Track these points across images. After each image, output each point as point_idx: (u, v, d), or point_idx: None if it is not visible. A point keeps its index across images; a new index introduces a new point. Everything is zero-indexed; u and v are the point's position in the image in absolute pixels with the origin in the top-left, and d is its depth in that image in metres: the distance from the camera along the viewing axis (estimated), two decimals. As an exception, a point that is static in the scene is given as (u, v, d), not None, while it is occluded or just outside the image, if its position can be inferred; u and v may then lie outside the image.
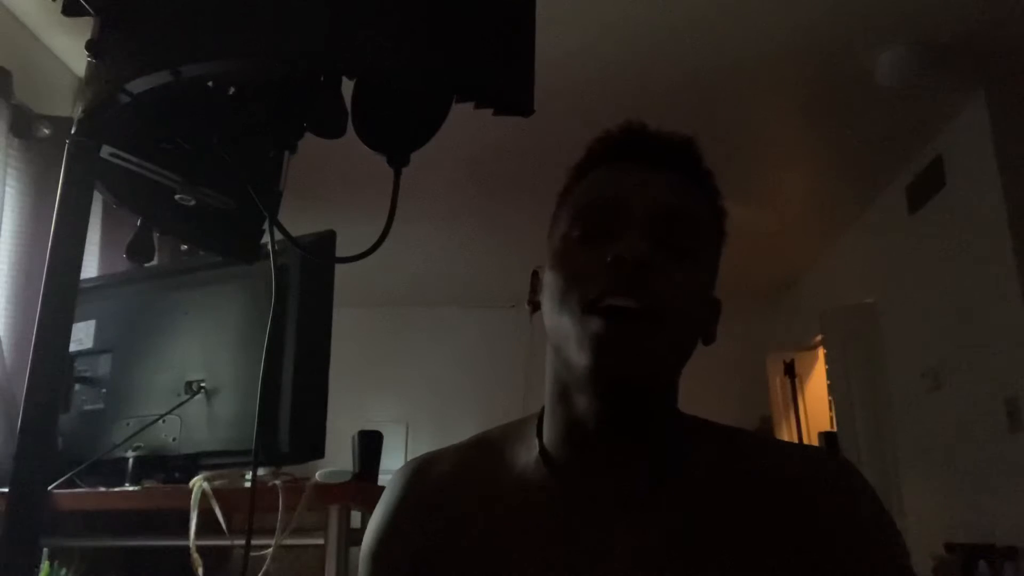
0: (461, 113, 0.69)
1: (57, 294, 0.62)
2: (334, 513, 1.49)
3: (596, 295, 0.66)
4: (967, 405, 3.27)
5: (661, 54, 2.92)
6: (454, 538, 0.72)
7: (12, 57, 2.42)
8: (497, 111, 0.67)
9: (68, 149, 0.64)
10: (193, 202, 0.75)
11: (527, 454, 0.75)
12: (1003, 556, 2.91)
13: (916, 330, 3.73)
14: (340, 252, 0.82)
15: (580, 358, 0.66)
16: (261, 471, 1.52)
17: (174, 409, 1.55)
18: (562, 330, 0.68)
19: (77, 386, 1.71)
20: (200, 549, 1.45)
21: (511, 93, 0.68)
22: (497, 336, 5.75)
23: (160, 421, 1.56)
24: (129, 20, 0.62)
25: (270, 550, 1.39)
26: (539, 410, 0.78)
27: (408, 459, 0.83)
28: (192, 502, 1.46)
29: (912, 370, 3.71)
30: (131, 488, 1.55)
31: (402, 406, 5.79)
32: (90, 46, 0.63)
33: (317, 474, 1.53)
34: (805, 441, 5.10)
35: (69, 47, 2.74)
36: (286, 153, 0.76)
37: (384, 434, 1.74)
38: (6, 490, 0.58)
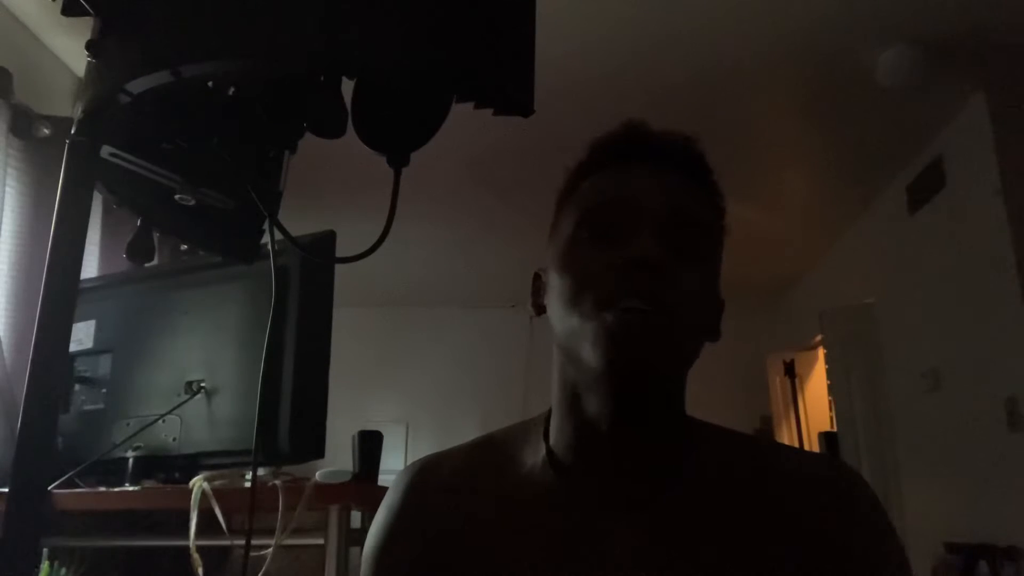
0: (461, 113, 0.69)
1: (57, 294, 0.62)
2: (334, 513, 1.49)
3: (609, 296, 0.66)
4: (967, 405, 3.27)
5: (661, 54, 2.92)
6: (458, 540, 0.72)
7: (12, 57, 2.42)
8: (497, 111, 0.67)
9: (68, 149, 0.64)
10: (193, 202, 0.75)
11: (533, 456, 0.75)
12: (1003, 556, 2.91)
13: (916, 330, 3.73)
14: (340, 252, 0.82)
15: (594, 356, 0.66)
16: (261, 471, 1.52)
17: (174, 409, 1.55)
18: (574, 330, 0.68)
19: (77, 386, 1.71)
20: (200, 549, 1.45)
21: (511, 93, 0.68)
22: (497, 336, 5.75)
23: (160, 421, 1.56)
24: (129, 20, 0.62)
25: (270, 550, 1.39)
26: (545, 412, 0.78)
27: (408, 459, 0.83)
28: (192, 502, 1.46)
29: (912, 370, 3.71)
30: (131, 488, 1.55)
31: (402, 406, 5.79)
32: (90, 46, 0.63)
33: (317, 474, 1.53)
34: (805, 441, 5.11)
35: (69, 47, 2.74)
36: (286, 153, 0.76)
37: (384, 434, 1.74)
38: (6, 490, 0.58)
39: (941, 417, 3.49)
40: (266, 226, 0.77)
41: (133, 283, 1.81)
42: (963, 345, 3.29)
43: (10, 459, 0.58)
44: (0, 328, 2.17)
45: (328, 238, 1.46)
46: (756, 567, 0.65)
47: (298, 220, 0.93)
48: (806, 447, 5.06)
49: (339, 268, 1.43)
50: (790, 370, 5.29)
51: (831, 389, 4.75)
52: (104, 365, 1.70)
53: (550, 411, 0.77)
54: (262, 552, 1.39)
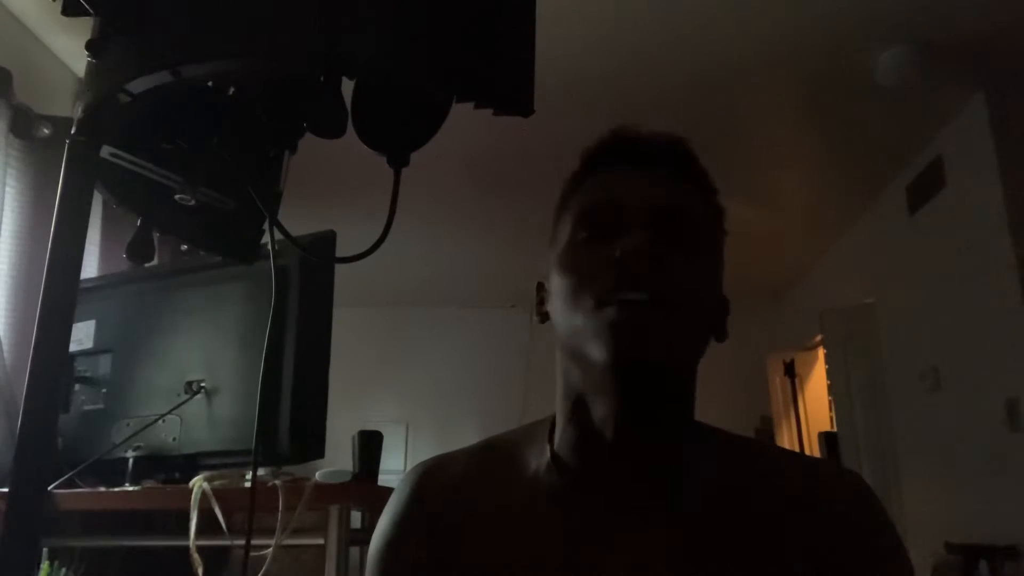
0: (461, 113, 0.69)
1: (57, 294, 0.62)
2: (334, 513, 1.49)
3: (607, 291, 0.67)
4: (967, 405, 3.27)
5: (661, 54, 2.92)
6: (463, 543, 0.72)
7: (12, 57, 2.42)
8: (497, 111, 0.67)
9: (68, 149, 0.64)
10: (193, 202, 0.75)
11: (538, 460, 0.75)
12: (1003, 556, 2.91)
13: (916, 330, 3.73)
14: (340, 252, 0.82)
15: (597, 350, 0.66)
16: (261, 471, 1.52)
17: (174, 409, 1.55)
18: (576, 328, 0.69)
19: (77, 386, 1.71)
20: (200, 549, 1.45)
21: (511, 93, 0.68)
22: (497, 336, 5.75)
23: (160, 421, 1.56)
24: (129, 20, 0.62)
25: (270, 550, 1.39)
26: (549, 416, 0.78)
27: (408, 459, 0.83)
28: (192, 502, 1.46)
29: (912, 370, 3.71)
30: (131, 488, 1.55)
31: (402, 406, 5.79)
32: (90, 46, 0.63)
33: (317, 474, 1.53)
34: (805, 441, 5.11)
35: (69, 47, 2.74)
36: (286, 153, 0.76)
37: (384, 434, 1.74)
38: (6, 490, 0.58)
39: (941, 417, 3.49)
40: (266, 226, 0.77)
41: (133, 283, 1.81)
42: (963, 345, 3.30)
43: (10, 459, 0.58)
44: (0, 328, 2.17)
45: (328, 238, 1.46)
46: (760, 575, 0.66)
47: (298, 220, 0.93)
48: (806, 447, 5.06)
49: (339, 268, 1.43)
50: (790, 370, 5.29)
51: (831, 389, 4.75)
52: (104, 365, 1.70)
53: (555, 415, 0.77)
54: (262, 552, 1.39)
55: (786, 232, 4.57)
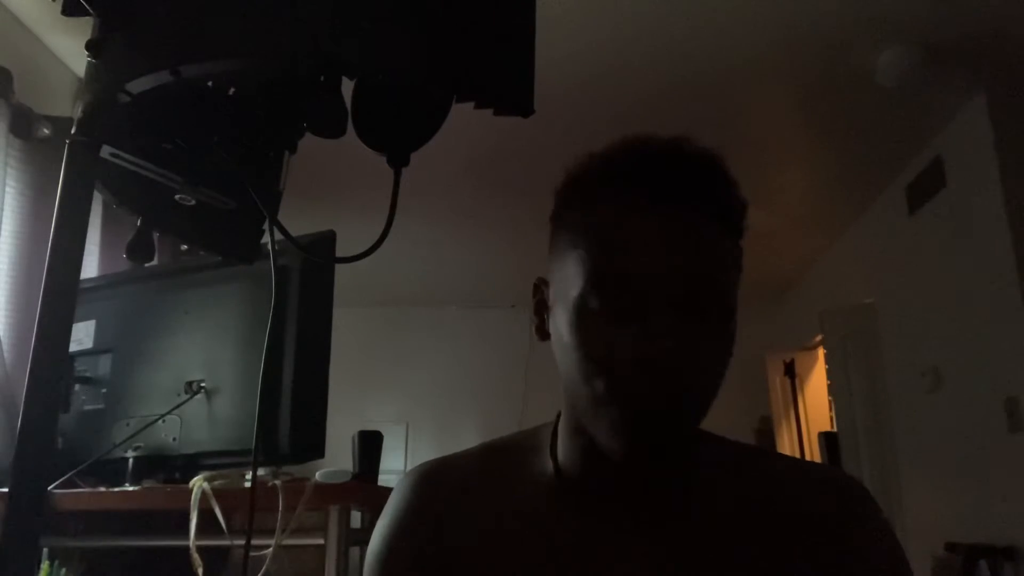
0: (461, 113, 0.69)
1: (57, 294, 0.62)
2: (334, 513, 1.48)
3: (625, 394, 0.63)
4: (967, 405, 3.27)
5: (661, 55, 2.92)
6: (462, 548, 0.72)
7: (12, 57, 2.42)
8: (497, 111, 0.67)
9: (68, 149, 0.64)
10: (193, 202, 0.75)
11: (539, 466, 0.74)
12: (1003, 556, 2.91)
13: (916, 330, 3.73)
14: (340, 252, 0.82)
15: (608, 443, 0.65)
16: (261, 471, 1.52)
17: (174, 409, 1.55)
18: (587, 409, 0.66)
19: (77, 386, 1.71)
20: (200, 549, 1.45)
21: (511, 93, 0.68)
22: (497, 336, 5.75)
23: (160, 421, 1.56)
24: (129, 20, 0.62)
25: (270, 550, 1.39)
26: (552, 422, 0.77)
27: (408, 459, 0.82)
28: (192, 502, 1.46)
29: (912, 370, 3.70)
30: (131, 488, 1.55)
31: (402, 406, 5.79)
32: (90, 46, 0.63)
33: (317, 474, 1.53)
34: (805, 441, 5.11)
35: (69, 47, 2.74)
36: (286, 153, 0.76)
37: (384, 434, 1.74)
38: (6, 490, 0.58)
39: (941, 417, 3.49)
40: (266, 226, 0.77)
41: (133, 283, 1.80)
42: (963, 345, 3.29)
43: (10, 459, 0.58)
44: (0, 328, 2.17)
45: (328, 238, 1.46)
46: None
47: (298, 220, 0.93)
48: (806, 447, 5.06)
49: (339, 268, 1.43)
50: (790, 370, 5.29)
51: (831, 389, 4.75)
52: (104, 365, 1.70)
53: (557, 419, 0.76)
54: (262, 552, 1.39)
55: (786, 232, 4.57)
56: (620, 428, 0.63)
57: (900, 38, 2.77)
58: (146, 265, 1.43)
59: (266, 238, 0.77)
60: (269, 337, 1.32)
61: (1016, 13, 2.61)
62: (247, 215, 0.78)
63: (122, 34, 0.62)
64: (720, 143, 0.70)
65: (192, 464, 1.57)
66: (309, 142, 0.70)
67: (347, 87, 0.67)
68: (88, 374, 1.71)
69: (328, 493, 1.49)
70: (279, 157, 0.77)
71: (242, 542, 0.91)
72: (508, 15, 0.70)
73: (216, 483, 1.48)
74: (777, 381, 5.43)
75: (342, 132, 0.68)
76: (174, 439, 1.55)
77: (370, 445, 1.69)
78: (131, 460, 1.57)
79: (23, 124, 2.33)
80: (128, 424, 1.60)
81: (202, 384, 1.55)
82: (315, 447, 1.48)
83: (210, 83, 0.69)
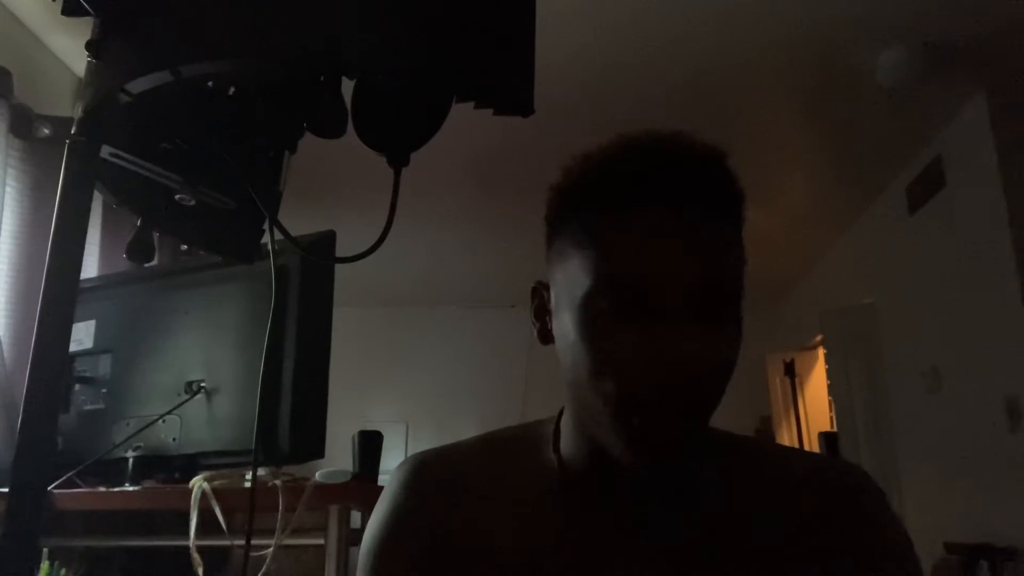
0: (461, 113, 0.69)
1: (57, 294, 0.62)
2: (334, 513, 1.48)
3: (637, 398, 0.61)
4: (967, 405, 3.27)
5: (661, 55, 2.92)
6: (460, 540, 0.71)
7: (12, 57, 2.42)
8: (497, 111, 0.67)
9: (68, 149, 0.64)
10: (193, 202, 0.75)
11: (541, 461, 0.74)
12: (1003, 556, 2.91)
13: (916, 330, 3.73)
14: (340, 252, 0.82)
15: (617, 449, 0.64)
16: (261, 471, 1.52)
17: (174, 409, 1.55)
18: (596, 413, 0.65)
19: (77, 386, 1.71)
20: (200, 549, 1.45)
21: (511, 93, 0.68)
22: (497, 336, 5.75)
23: (160, 421, 1.56)
24: (129, 20, 0.62)
25: (270, 550, 1.39)
26: (554, 416, 0.77)
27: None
28: (192, 502, 1.46)
29: (912, 370, 3.70)
30: (131, 488, 1.55)
31: (402, 406, 5.79)
32: (90, 46, 0.63)
33: (317, 474, 1.53)
34: (805, 441, 5.11)
35: (69, 47, 2.74)
36: (286, 153, 0.76)
37: (384, 434, 1.74)
38: (6, 490, 0.58)
39: (941, 417, 3.49)
40: (266, 226, 0.77)
41: (133, 283, 1.80)
42: (963, 345, 3.29)
43: (10, 459, 0.58)
44: (0, 328, 2.17)
45: (328, 238, 1.46)
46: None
47: (298, 220, 0.93)
48: (806, 447, 5.06)
49: (339, 268, 1.43)
50: (790, 370, 5.30)
51: (831, 389, 4.75)
52: (104, 365, 1.70)
53: (560, 414, 0.76)
54: (262, 552, 1.39)
55: (786, 232, 4.57)
56: (630, 430, 0.62)
57: (900, 38, 2.77)
58: (146, 265, 1.43)
59: (266, 238, 0.77)
60: (269, 337, 1.32)
61: (1016, 13, 2.61)
62: (247, 215, 0.78)
63: (122, 34, 0.62)
64: (720, 143, 0.70)
65: (192, 464, 1.57)
66: (309, 142, 0.70)
67: (347, 87, 0.67)
68: (88, 374, 1.71)
69: (328, 493, 1.49)
70: (279, 157, 0.77)
71: (242, 542, 0.92)
72: (508, 15, 0.70)
73: (216, 483, 1.48)
74: (777, 381, 5.43)
75: (342, 132, 0.68)
76: (174, 439, 1.55)
77: (370, 445, 1.69)
78: (131, 460, 1.57)
79: (23, 124, 2.33)
80: (128, 424, 1.60)
81: (202, 384, 1.55)
82: (315, 447, 1.48)
83: (210, 83, 0.69)
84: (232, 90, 0.70)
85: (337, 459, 1.58)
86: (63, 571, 1.53)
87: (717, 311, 0.63)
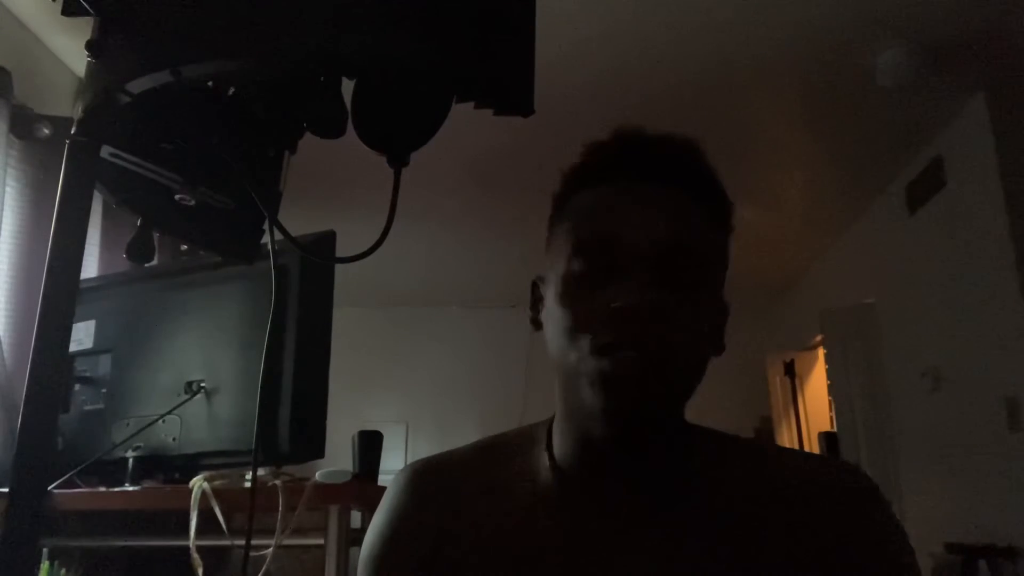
0: (461, 113, 0.69)
1: (57, 294, 0.62)
2: (334, 513, 1.49)
3: (603, 344, 0.66)
4: (967, 405, 3.27)
5: (661, 55, 2.92)
6: (460, 543, 0.72)
7: (12, 57, 2.42)
8: (497, 111, 0.67)
9: (68, 149, 0.64)
10: (193, 202, 0.75)
11: (536, 462, 0.75)
12: (1003, 556, 2.91)
13: (916, 330, 3.73)
14: (340, 252, 0.82)
15: (592, 398, 0.66)
16: (261, 471, 1.52)
17: (174, 409, 1.55)
18: (571, 368, 0.68)
19: (77, 386, 1.71)
20: (200, 549, 1.45)
21: (511, 93, 0.68)
22: (497, 336, 5.74)
23: (160, 421, 1.56)
24: (129, 20, 0.62)
25: (270, 550, 1.39)
26: (548, 419, 0.78)
27: (408, 459, 0.82)
28: (192, 502, 1.46)
29: (912, 370, 3.70)
30: (131, 488, 1.55)
31: (402, 406, 5.79)
32: (90, 46, 0.62)
33: (317, 474, 1.53)
34: (805, 441, 5.11)
35: (69, 47, 2.74)
36: (286, 153, 0.76)
37: (384, 434, 1.74)
38: (6, 490, 0.58)
39: (941, 417, 3.49)
40: (266, 226, 0.77)
41: (133, 283, 1.80)
42: (963, 345, 3.29)
43: (10, 459, 0.58)
44: (0, 328, 2.17)
45: (328, 238, 1.46)
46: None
47: (298, 220, 0.93)
48: (806, 447, 5.06)
49: (339, 268, 1.43)
50: (790, 370, 5.30)
51: (831, 389, 4.75)
52: (104, 365, 1.70)
53: (553, 416, 0.77)
54: (262, 552, 1.39)
55: (786, 232, 4.57)
56: (601, 376, 0.65)
57: (900, 38, 2.77)
58: (146, 265, 1.43)
59: (266, 238, 0.77)
60: (269, 337, 1.32)
61: (1016, 13, 2.61)
62: (247, 215, 0.78)
63: (122, 34, 0.62)
64: (721, 143, 0.71)
65: (192, 464, 1.57)
66: (309, 142, 0.70)
67: (347, 87, 0.67)
68: (88, 374, 1.71)
69: (328, 493, 1.49)
70: (279, 157, 0.77)
71: (242, 542, 0.92)
72: (508, 15, 0.70)
73: (216, 483, 1.48)
74: (777, 381, 5.43)
75: (342, 132, 0.68)
76: (174, 439, 1.55)
77: (370, 445, 1.69)
78: (131, 460, 1.57)
79: (23, 124, 2.33)
80: (128, 424, 1.60)
81: (202, 384, 1.55)
82: (315, 447, 1.48)
83: (210, 83, 0.69)
84: (232, 90, 0.70)
85: (337, 459, 1.58)
86: (63, 571, 1.53)
87: (683, 273, 0.68)
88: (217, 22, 0.60)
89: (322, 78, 0.65)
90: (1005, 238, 2.98)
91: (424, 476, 0.78)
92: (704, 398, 0.78)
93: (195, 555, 1.45)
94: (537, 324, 0.77)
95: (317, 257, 1.52)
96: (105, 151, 0.67)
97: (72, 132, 0.64)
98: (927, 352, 3.59)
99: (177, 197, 0.74)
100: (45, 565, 1.50)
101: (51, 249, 0.62)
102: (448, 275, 5.45)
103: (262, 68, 0.64)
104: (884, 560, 0.67)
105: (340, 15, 0.59)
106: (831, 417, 4.94)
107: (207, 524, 1.45)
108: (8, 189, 2.27)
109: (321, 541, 1.47)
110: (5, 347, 2.12)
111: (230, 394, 1.53)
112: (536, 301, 0.78)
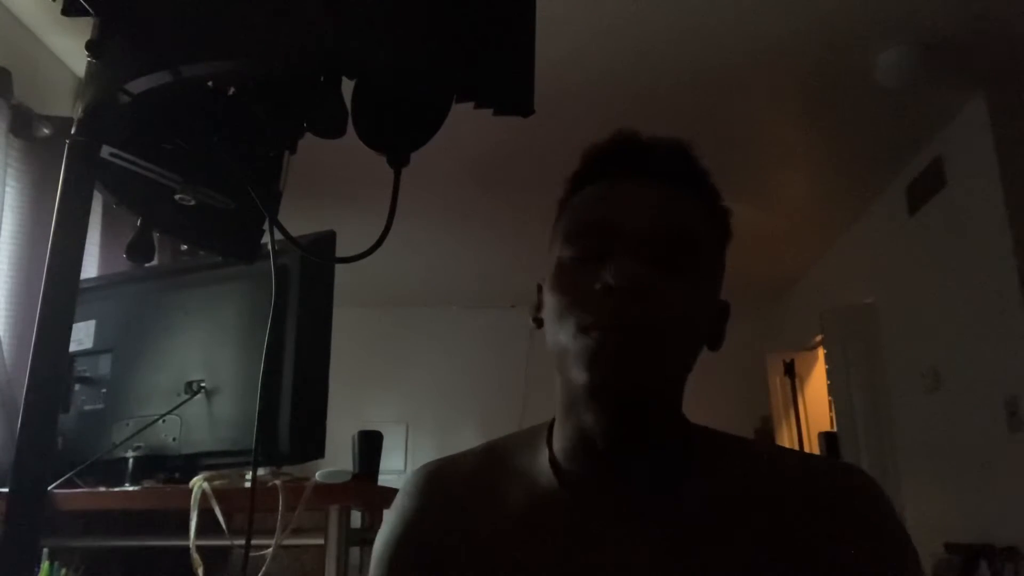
0: (461, 113, 0.69)
1: (57, 294, 0.62)
2: (334, 513, 1.49)
3: (590, 321, 0.67)
4: (967, 405, 3.27)
5: (661, 55, 2.92)
6: (465, 545, 0.73)
7: (12, 57, 2.42)
8: (497, 111, 0.67)
9: (68, 149, 0.64)
10: (193, 202, 0.75)
11: (538, 463, 0.76)
12: (1003, 556, 2.91)
13: (916, 330, 3.73)
14: (340, 252, 0.82)
15: (579, 375, 0.67)
16: (261, 471, 1.52)
17: (174, 409, 1.55)
18: (562, 348, 0.70)
19: (77, 386, 1.71)
20: (200, 549, 1.45)
21: (511, 93, 0.68)
22: (497, 336, 5.74)
23: (160, 421, 1.56)
24: (129, 20, 0.62)
25: (270, 550, 1.39)
26: (550, 420, 0.79)
27: (408, 459, 0.83)
28: (192, 502, 1.46)
29: (912, 370, 3.71)
30: (131, 488, 1.55)
31: (402, 406, 5.79)
32: (90, 46, 0.62)
33: (317, 474, 1.53)
34: (805, 441, 5.11)
35: (69, 47, 2.74)
36: (286, 153, 0.76)
37: (384, 434, 1.74)
38: (6, 490, 0.58)
39: (941, 417, 3.49)
40: (266, 226, 0.77)
41: (133, 283, 1.80)
42: (963, 345, 3.29)
43: (10, 459, 0.58)
44: (0, 328, 2.17)
45: (328, 238, 1.46)
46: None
47: (298, 220, 0.93)
48: (806, 447, 5.06)
49: (339, 268, 1.43)
50: (790, 370, 5.29)
51: (831, 389, 4.75)
52: (104, 365, 1.70)
53: (554, 418, 0.78)
54: (262, 552, 1.39)
55: (786, 232, 4.57)
56: (589, 352, 0.66)
57: (900, 38, 2.77)
58: (146, 265, 1.43)
59: (266, 238, 0.77)
60: (269, 337, 1.32)
61: (1016, 13, 2.61)
62: (247, 215, 0.78)
63: (122, 34, 0.62)
64: (721, 143, 0.71)
65: (192, 464, 1.57)
66: (309, 142, 0.70)
67: (347, 87, 0.67)
68: (88, 374, 1.71)
69: (328, 493, 1.49)
70: (279, 157, 0.77)
71: (242, 542, 0.92)
72: (508, 15, 0.70)
73: (216, 483, 1.48)
74: (777, 381, 5.42)
75: (342, 132, 0.68)
76: (174, 439, 1.55)
77: (370, 445, 1.69)
78: (131, 460, 1.57)
79: (23, 124, 2.33)
80: (128, 424, 1.60)
81: (202, 384, 1.55)
82: (315, 447, 1.48)
83: (210, 83, 0.69)
84: (232, 90, 0.70)
85: (337, 459, 1.58)
86: (63, 571, 1.53)
87: (673, 257, 0.69)
88: (217, 22, 0.60)
89: (322, 78, 0.65)
90: (1005, 238, 2.98)
91: (430, 479, 0.79)
92: (704, 398, 0.78)
93: (195, 555, 1.45)
94: (539, 323, 0.79)
95: (317, 257, 1.52)
96: (105, 151, 0.67)
97: (72, 132, 0.64)
98: (927, 352, 3.59)
99: (177, 197, 0.74)
100: (45, 565, 1.50)
101: (51, 249, 0.62)
102: (448, 275, 5.45)
103: (262, 68, 0.64)
104: (888, 561, 0.67)
105: (340, 15, 0.59)
106: (831, 417, 4.94)
107: (207, 524, 1.45)
108: (8, 189, 2.27)
109: (321, 541, 1.47)
110: (5, 347, 2.12)
111: (230, 394, 1.53)
112: (539, 304, 0.79)
